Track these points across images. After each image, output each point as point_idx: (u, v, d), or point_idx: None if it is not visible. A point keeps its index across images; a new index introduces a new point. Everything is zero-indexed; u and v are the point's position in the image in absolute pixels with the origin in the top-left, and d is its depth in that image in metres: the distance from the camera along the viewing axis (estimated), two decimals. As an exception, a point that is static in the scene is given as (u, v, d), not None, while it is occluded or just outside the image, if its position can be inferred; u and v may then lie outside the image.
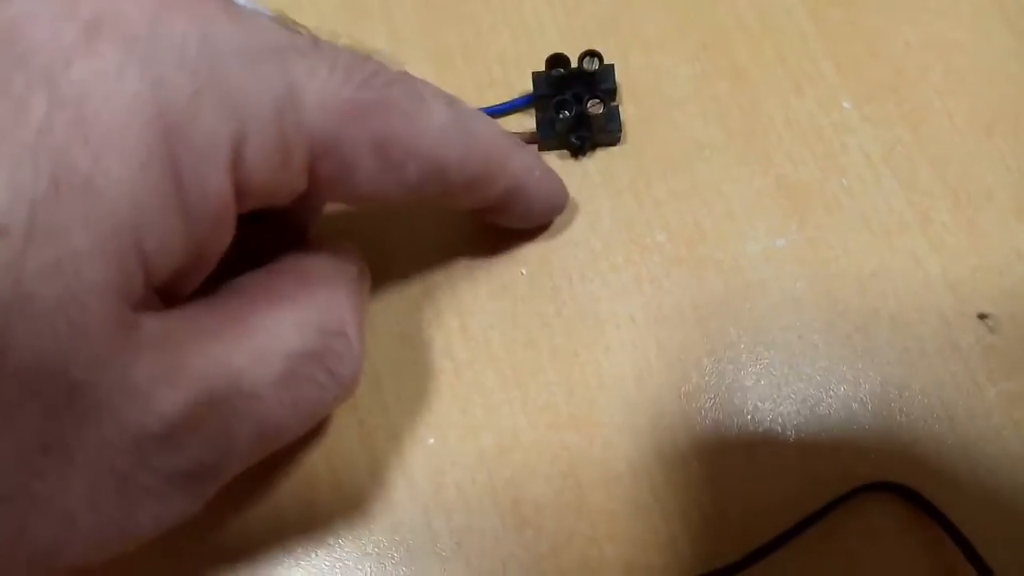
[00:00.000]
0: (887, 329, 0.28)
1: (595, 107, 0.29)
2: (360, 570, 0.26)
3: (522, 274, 0.29)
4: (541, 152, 0.30)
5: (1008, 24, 0.32)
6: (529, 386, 0.28)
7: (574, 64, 0.30)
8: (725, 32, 0.32)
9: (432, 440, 0.27)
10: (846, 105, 0.31)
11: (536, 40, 0.32)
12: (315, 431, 0.27)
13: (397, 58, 0.31)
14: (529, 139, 0.30)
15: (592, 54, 0.29)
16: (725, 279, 0.29)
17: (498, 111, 0.31)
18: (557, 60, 0.29)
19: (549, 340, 0.28)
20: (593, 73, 0.29)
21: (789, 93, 0.31)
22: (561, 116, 0.29)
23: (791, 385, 0.27)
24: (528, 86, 0.31)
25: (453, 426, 0.27)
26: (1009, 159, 0.30)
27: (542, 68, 0.30)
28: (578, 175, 0.30)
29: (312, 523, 0.26)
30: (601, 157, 0.30)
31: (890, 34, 0.32)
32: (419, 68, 0.31)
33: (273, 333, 0.19)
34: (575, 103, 0.29)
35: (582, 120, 0.29)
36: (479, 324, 0.28)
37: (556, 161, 0.30)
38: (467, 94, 0.31)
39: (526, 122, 0.31)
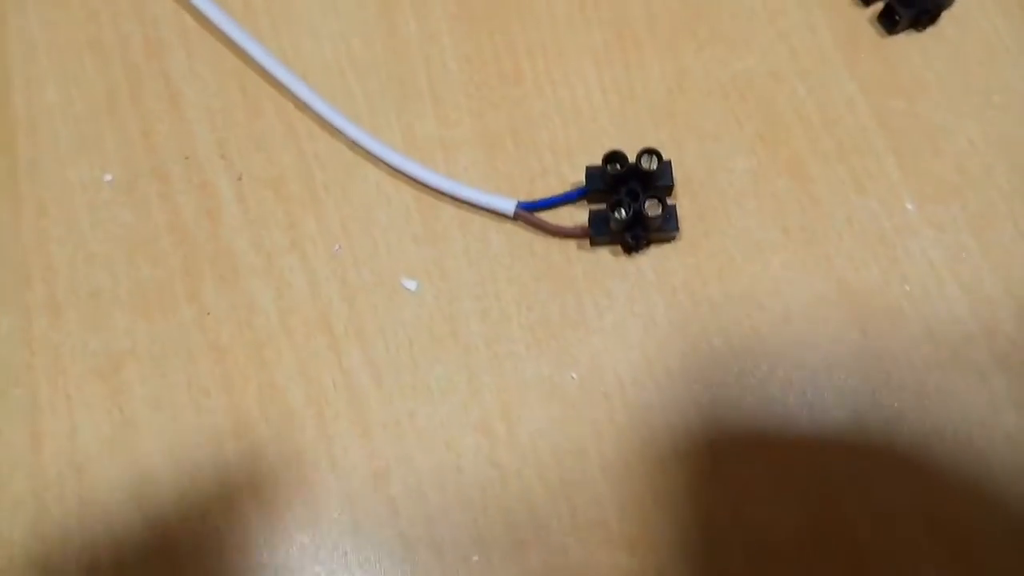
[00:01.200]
0: (951, 448, 0.27)
1: (653, 207, 0.28)
2: None
3: (573, 378, 0.28)
4: (593, 247, 0.29)
5: (1075, 122, 0.31)
6: (577, 500, 0.27)
7: (631, 159, 0.29)
8: (783, 123, 0.31)
9: (476, 558, 0.26)
10: (909, 206, 0.30)
11: (588, 127, 0.31)
12: None
13: (447, 144, 0.30)
14: (581, 233, 0.29)
15: (650, 152, 0.28)
16: (786, 390, 0.28)
17: (550, 204, 0.30)
18: (613, 157, 0.28)
19: (598, 448, 0.27)
20: (651, 171, 0.28)
21: (850, 191, 0.30)
22: (617, 215, 0.28)
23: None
24: (580, 175, 0.30)
25: (497, 543, 0.26)
26: (1077, 266, 0.29)
27: (594, 156, 0.29)
28: (632, 272, 0.29)
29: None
30: (655, 253, 0.29)
31: (953, 129, 0.31)
32: (470, 154, 0.30)
33: None
34: (631, 202, 0.28)
35: (638, 219, 0.28)
36: (527, 432, 0.27)
37: (609, 256, 0.29)
38: (517, 183, 0.30)
39: (577, 215, 0.30)
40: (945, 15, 0.33)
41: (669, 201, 0.29)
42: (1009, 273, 0.29)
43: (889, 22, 0.32)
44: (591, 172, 0.29)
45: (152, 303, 0.28)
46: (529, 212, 0.29)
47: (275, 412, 0.27)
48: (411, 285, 0.29)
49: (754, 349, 0.28)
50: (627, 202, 0.28)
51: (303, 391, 0.28)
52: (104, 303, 0.28)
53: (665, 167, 0.29)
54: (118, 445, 0.27)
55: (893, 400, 0.27)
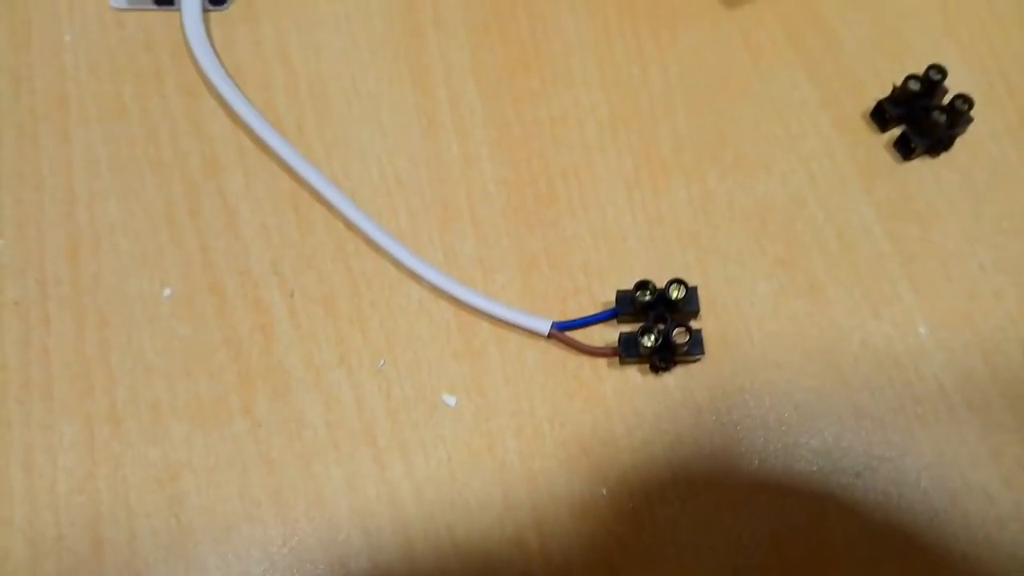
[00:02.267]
0: (959, 566, 0.29)
1: (680, 335, 0.30)
2: None
3: (603, 494, 0.30)
4: (622, 366, 0.31)
5: (1081, 248, 0.33)
6: (609, 616, 0.28)
7: (659, 285, 0.30)
8: (803, 248, 0.33)
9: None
10: (922, 330, 0.32)
11: (618, 249, 0.33)
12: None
13: (485, 263, 0.32)
14: (611, 353, 0.31)
15: (678, 281, 0.30)
16: (803, 507, 0.29)
17: (582, 324, 0.31)
18: (643, 285, 0.30)
19: (627, 565, 0.29)
20: (678, 299, 0.30)
21: (866, 314, 0.32)
22: (646, 341, 0.30)
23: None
24: (610, 294, 0.32)
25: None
26: (1081, 391, 0.31)
27: (623, 275, 0.31)
28: (659, 391, 0.31)
29: None
30: (681, 373, 0.31)
31: (964, 255, 0.33)
32: (507, 272, 0.32)
33: None
34: (659, 329, 0.29)
35: (666, 344, 0.30)
36: (559, 546, 0.29)
37: (637, 375, 0.31)
38: (551, 302, 0.32)
39: (608, 334, 0.31)
40: (959, 141, 0.34)
41: (695, 326, 0.31)
42: (1018, 397, 0.31)
43: (905, 149, 0.34)
44: (621, 296, 0.31)
45: (208, 415, 0.30)
46: (562, 332, 0.31)
47: (322, 522, 0.29)
48: (451, 401, 0.31)
49: (774, 468, 0.30)
50: (655, 328, 0.30)
51: (348, 502, 0.29)
52: (162, 414, 0.30)
53: (692, 294, 0.31)
54: (174, 553, 0.29)
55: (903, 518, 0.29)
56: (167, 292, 0.32)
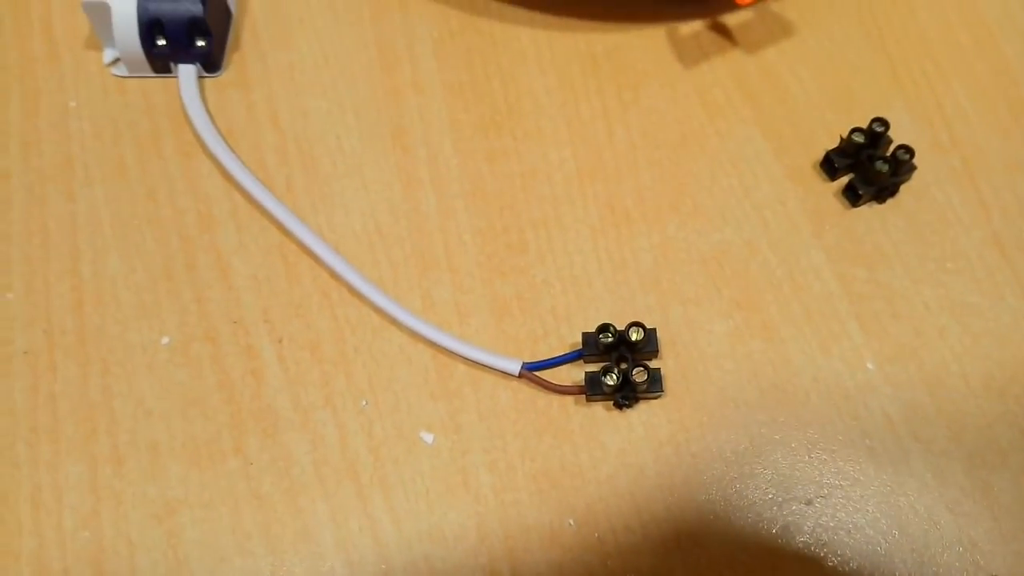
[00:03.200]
0: (907, 590, 0.31)
1: (639, 374, 0.32)
2: None
3: (570, 524, 0.32)
4: (588, 403, 0.33)
5: (1021, 285, 0.35)
6: (575, 640, 0.30)
7: (620, 328, 0.33)
8: (757, 290, 0.35)
9: None
10: (870, 366, 0.34)
11: (584, 293, 0.35)
12: None
13: (461, 308, 0.35)
14: (578, 391, 0.33)
15: (637, 325, 0.32)
16: (759, 535, 0.31)
17: (550, 364, 0.34)
18: (604, 328, 0.32)
19: (594, 592, 0.31)
20: (637, 341, 0.32)
21: (817, 352, 0.34)
22: (608, 380, 0.32)
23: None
24: (577, 336, 0.34)
25: None
26: (1022, 421, 0.33)
27: (590, 318, 0.34)
28: (623, 426, 0.33)
29: None
30: (644, 409, 0.33)
31: (910, 295, 0.35)
32: (481, 317, 0.34)
33: None
34: (619, 369, 0.32)
35: (627, 383, 0.32)
36: (530, 573, 0.31)
37: (603, 412, 0.33)
38: (523, 343, 0.34)
39: (575, 374, 0.34)
40: (904, 188, 0.37)
41: (656, 364, 0.33)
42: (961, 428, 0.33)
43: (852, 196, 0.36)
44: (587, 338, 0.33)
45: (202, 455, 0.32)
46: (532, 372, 0.33)
47: (307, 554, 0.31)
48: (428, 438, 0.33)
49: (730, 498, 0.32)
50: (616, 369, 0.32)
51: (332, 535, 0.32)
52: (161, 454, 0.33)
53: (650, 335, 0.33)
54: (171, 583, 0.31)
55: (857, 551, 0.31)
56: (165, 340, 0.34)
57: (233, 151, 0.37)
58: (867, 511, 0.32)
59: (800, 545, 0.31)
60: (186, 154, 0.37)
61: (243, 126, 0.38)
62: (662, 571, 0.31)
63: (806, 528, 0.31)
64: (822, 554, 0.31)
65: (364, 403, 0.33)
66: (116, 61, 0.39)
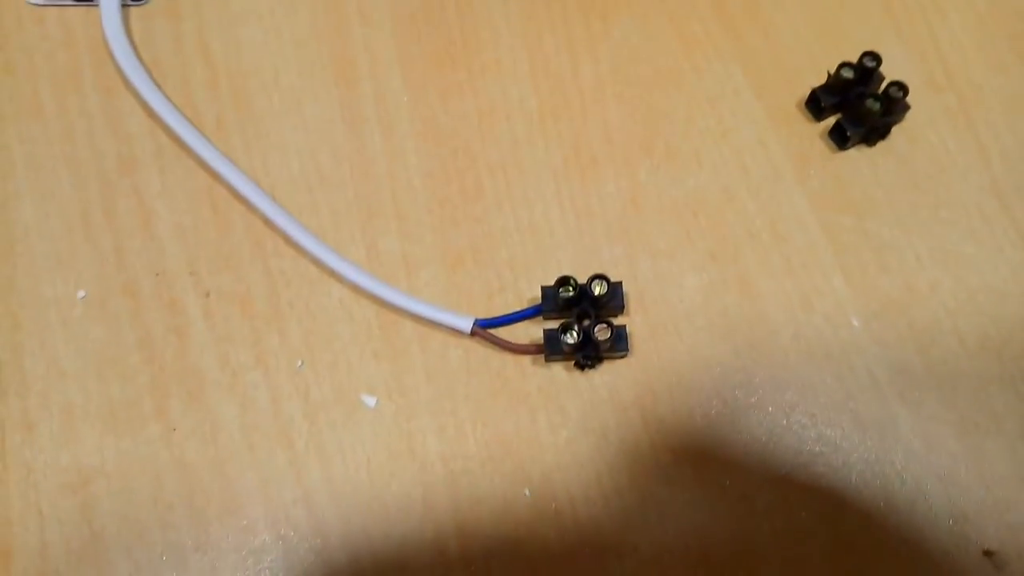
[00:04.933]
0: (891, 566, 0.28)
1: (602, 331, 0.29)
2: None
3: (526, 495, 0.29)
4: (548, 363, 0.30)
5: (1021, 237, 0.32)
6: (528, 621, 0.27)
7: (583, 281, 0.30)
8: (735, 241, 0.32)
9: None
10: (855, 323, 0.31)
11: (545, 244, 0.32)
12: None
13: (409, 259, 0.32)
14: (536, 350, 0.30)
15: (600, 277, 0.29)
16: (731, 506, 0.29)
17: (506, 321, 0.31)
18: (564, 281, 0.29)
19: (548, 567, 0.28)
20: (601, 295, 0.29)
21: (797, 307, 0.31)
22: (567, 338, 0.29)
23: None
24: (537, 290, 0.31)
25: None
26: (1020, 383, 0.30)
27: (551, 272, 0.31)
28: (585, 389, 0.30)
29: None
30: (608, 369, 0.30)
31: (901, 246, 0.32)
32: (432, 270, 0.31)
33: None
34: (581, 326, 0.29)
35: (588, 341, 0.29)
36: (480, 549, 0.28)
37: (563, 373, 0.30)
38: (477, 298, 0.31)
39: (534, 331, 0.31)
40: (896, 130, 0.34)
41: (619, 322, 0.30)
42: (954, 389, 0.30)
43: (840, 138, 0.33)
44: (546, 292, 0.30)
45: (120, 419, 0.29)
46: (486, 329, 0.30)
47: (236, 527, 0.28)
48: (370, 401, 0.30)
49: (701, 466, 0.29)
50: (577, 326, 0.29)
51: (263, 507, 0.29)
52: (75, 418, 0.29)
53: (615, 289, 0.30)
54: (85, 559, 0.28)
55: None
56: (81, 294, 0.31)
57: (159, 86, 0.33)
58: (849, 480, 0.29)
59: (775, 516, 0.28)
60: (107, 90, 0.34)
61: (170, 59, 0.34)
62: (624, 546, 0.28)
63: (782, 499, 0.29)
64: (798, 526, 0.28)
65: (300, 363, 0.30)
66: (32, -13, 0.35)
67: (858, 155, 0.33)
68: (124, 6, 0.35)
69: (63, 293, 0.31)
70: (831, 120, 0.34)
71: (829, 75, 0.33)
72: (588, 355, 0.30)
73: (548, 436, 0.30)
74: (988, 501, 0.29)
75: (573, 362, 0.30)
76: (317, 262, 0.31)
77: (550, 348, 0.30)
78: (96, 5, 0.35)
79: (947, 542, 0.28)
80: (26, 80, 0.34)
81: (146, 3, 0.35)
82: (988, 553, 0.28)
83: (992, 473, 0.29)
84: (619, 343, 0.30)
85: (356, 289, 0.31)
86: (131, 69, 0.33)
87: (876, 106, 0.32)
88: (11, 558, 0.28)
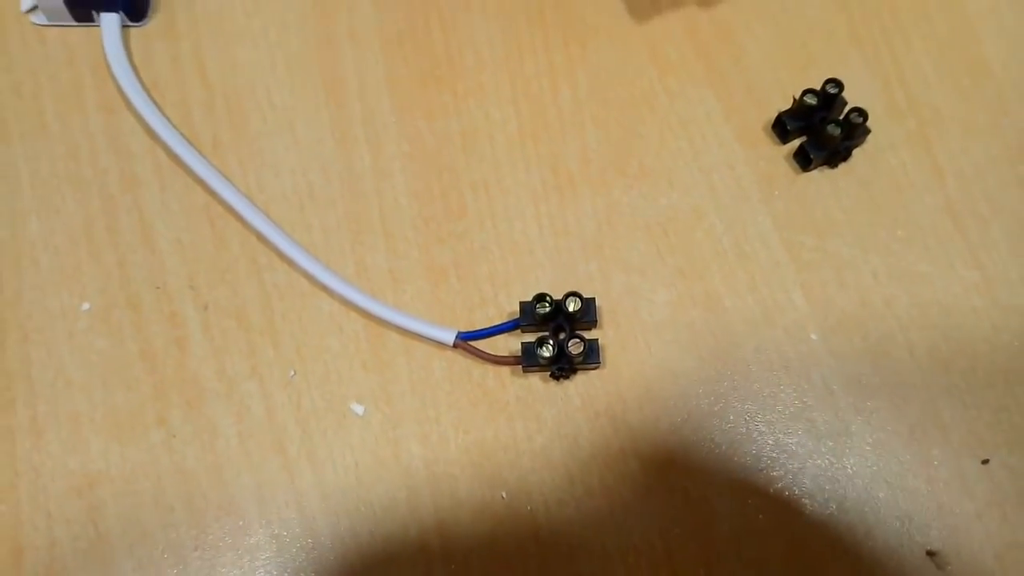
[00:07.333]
0: (842, 565, 0.30)
1: (575, 346, 0.31)
2: None
3: (503, 497, 0.31)
4: (526, 373, 0.32)
5: (973, 255, 0.34)
6: (505, 616, 0.30)
7: (558, 298, 0.32)
8: (702, 258, 0.34)
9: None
10: (814, 337, 0.33)
11: (524, 260, 0.34)
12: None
13: (395, 275, 0.33)
14: (514, 361, 0.32)
15: (574, 294, 0.31)
16: (693, 509, 0.31)
17: (486, 334, 0.33)
18: (541, 297, 0.31)
19: (523, 565, 0.30)
20: (575, 311, 0.31)
21: (761, 322, 0.33)
22: (543, 351, 0.31)
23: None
24: (516, 304, 0.33)
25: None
26: (966, 395, 0.32)
27: (529, 287, 0.33)
28: (559, 397, 0.32)
29: None
30: (581, 379, 0.32)
31: (858, 264, 0.34)
32: (416, 284, 0.33)
33: None
34: (556, 339, 0.31)
35: (563, 354, 0.31)
36: (460, 547, 0.30)
37: (540, 383, 0.32)
38: (459, 311, 0.33)
39: (513, 344, 0.33)
40: (857, 152, 0.36)
41: (593, 335, 0.32)
42: (905, 400, 0.32)
43: (804, 160, 0.35)
44: (524, 307, 0.32)
45: (124, 427, 0.31)
46: (467, 342, 0.32)
47: (232, 528, 0.30)
48: (359, 409, 0.32)
49: (667, 471, 0.31)
50: (552, 340, 0.31)
51: (258, 509, 0.31)
52: (81, 426, 0.31)
53: (588, 305, 0.32)
54: (92, 558, 0.30)
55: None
56: (85, 306, 0.33)
57: (158, 106, 0.35)
58: (804, 484, 0.31)
59: (736, 519, 0.31)
60: (109, 109, 0.35)
61: (168, 79, 0.36)
62: (594, 545, 0.30)
63: (742, 503, 0.31)
64: (757, 529, 0.30)
65: (292, 373, 0.32)
66: (35, 8, 0.36)
67: (821, 177, 0.35)
68: (124, 27, 0.36)
69: (68, 306, 0.33)
70: (796, 143, 0.36)
71: (794, 100, 0.35)
72: (563, 367, 0.32)
73: (524, 442, 0.32)
74: (932, 505, 0.31)
75: (549, 373, 0.32)
76: (309, 277, 0.33)
77: (527, 360, 0.32)
78: (97, 26, 0.36)
79: (894, 542, 0.31)
80: (31, 100, 0.36)
81: (144, 24, 0.37)
82: (931, 553, 0.31)
83: (937, 479, 0.31)
84: (590, 356, 0.32)
85: (346, 303, 0.33)
86: (131, 90, 0.35)
87: (837, 131, 0.34)
88: (22, 555, 0.30)
